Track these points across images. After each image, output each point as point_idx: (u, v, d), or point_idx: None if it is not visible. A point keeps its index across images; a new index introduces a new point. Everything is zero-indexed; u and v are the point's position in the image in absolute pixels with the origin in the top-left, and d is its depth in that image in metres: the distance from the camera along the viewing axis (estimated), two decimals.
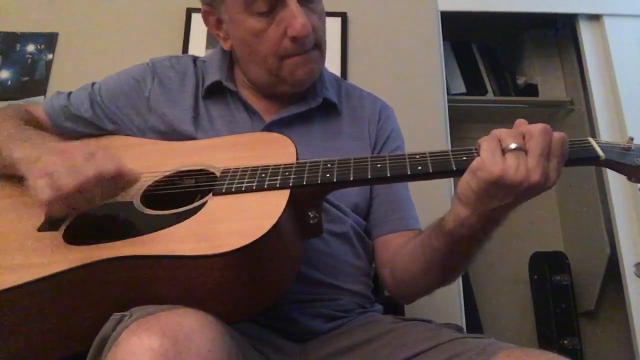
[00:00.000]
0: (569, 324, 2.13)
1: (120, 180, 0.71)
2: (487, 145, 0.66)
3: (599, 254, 2.04)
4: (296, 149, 0.80)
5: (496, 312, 2.21)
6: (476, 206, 0.69)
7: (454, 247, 0.76)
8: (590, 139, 0.71)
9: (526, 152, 0.65)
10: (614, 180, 1.82)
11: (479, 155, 0.67)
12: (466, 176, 0.68)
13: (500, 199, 0.67)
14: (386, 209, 0.97)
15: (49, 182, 0.66)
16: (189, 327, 0.52)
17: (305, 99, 0.98)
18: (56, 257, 0.67)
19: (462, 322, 1.62)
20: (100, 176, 0.67)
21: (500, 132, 0.67)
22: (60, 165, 0.66)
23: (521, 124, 0.68)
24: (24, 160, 0.72)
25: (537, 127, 0.65)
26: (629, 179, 0.71)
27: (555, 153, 0.66)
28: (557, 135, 0.66)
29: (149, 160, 0.86)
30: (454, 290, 1.64)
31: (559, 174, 0.66)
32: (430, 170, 0.70)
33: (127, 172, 0.71)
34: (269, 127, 0.93)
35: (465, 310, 1.66)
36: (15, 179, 0.82)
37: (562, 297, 2.15)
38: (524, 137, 0.66)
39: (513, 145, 0.65)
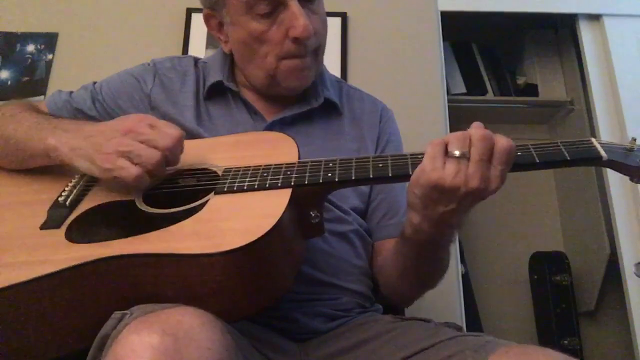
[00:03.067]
0: (569, 324, 2.13)
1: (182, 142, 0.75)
2: (430, 151, 0.68)
3: (599, 254, 2.04)
4: (298, 148, 0.80)
5: (496, 312, 2.21)
6: (424, 212, 0.71)
7: (419, 251, 0.79)
8: (593, 140, 0.71)
9: (468, 158, 0.66)
10: (614, 180, 1.82)
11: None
12: (410, 183, 0.70)
13: (444, 204, 0.68)
14: (384, 214, 0.97)
15: (132, 160, 0.70)
16: (189, 324, 0.52)
17: (306, 99, 0.98)
18: (58, 255, 0.67)
19: (462, 322, 1.62)
20: (176, 142, 0.73)
21: (450, 136, 0.68)
22: (133, 143, 0.71)
23: (474, 127, 0.68)
24: (65, 146, 0.75)
25: (477, 134, 0.66)
26: (632, 179, 0.72)
27: (500, 160, 0.66)
28: (502, 141, 0.66)
29: None
30: (454, 290, 1.64)
31: (502, 180, 0.67)
32: None
33: (181, 133, 0.75)
34: (271, 127, 0.94)
35: (465, 310, 1.66)
36: (17, 176, 0.83)
37: (562, 297, 2.15)
38: (469, 135, 0.67)
39: (457, 152, 0.66)
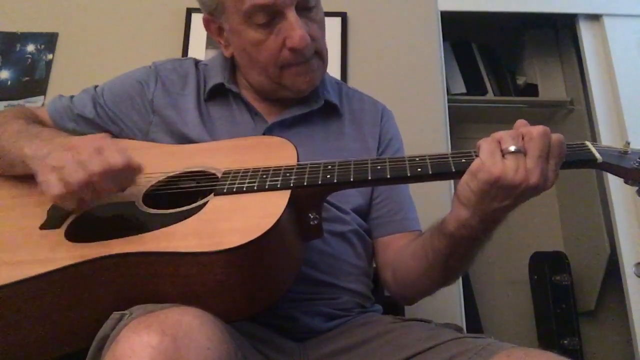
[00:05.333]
0: (569, 324, 2.13)
1: (129, 173, 0.72)
2: (486, 147, 0.67)
3: (599, 254, 2.04)
4: (297, 151, 0.81)
5: (496, 312, 2.21)
6: (476, 207, 0.70)
7: (456, 248, 0.77)
8: (587, 142, 0.72)
9: (525, 154, 0.66)
10: (614, 180, 1.82)
11: (478, 157, 0.67)
12: (466, 178, 0.69)
13: (500, 200, 0.68)
14: (387, 211, 0.97)
15: (58, 177, 0.67)
16: (189, 324, 0.53)
17: (307, 100, 0.98)
18: (58, 254, 0.67)
19: (462, 322, 1.62)
20: (108, 170, 0.68)
21: (500, 134, 0.68)
22: (70, 160, 0.68)
23: (521, 125, 0.69)
24: (35, 157, 0.74)
25: (537, 130, 0.66)
26: (626, 181, 0.73)
27: (554, 154, 0.67)
28: (555, 137, 0.67)
29: (152, 162, 0.86)
30: (454, 290, 1.64)
31: (557, 175, 0.68)
32: (430, 172, 0.71)
33: (134, 165, 0.71)
34: (271, 128, 0.94)
35: (465, 310, 1.66)
36: (18, 178, 0.83)
37: (562, 297, 2.15)
38: (523, 139, 0.67)
39: (512, 148, 0.66)
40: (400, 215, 0.96)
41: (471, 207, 0.70)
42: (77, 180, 0.67)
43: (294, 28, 0.86)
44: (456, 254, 0.78)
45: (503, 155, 0.66)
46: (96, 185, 0.68)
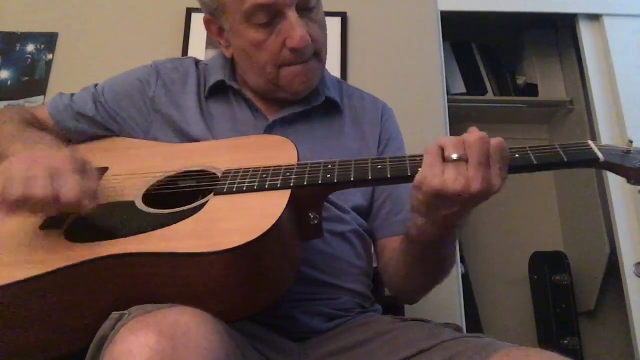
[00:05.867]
0: (569, 324, 2.13)
1: (60, 208, 0.68)
2: (427, 158, 0.68)
3: (599, 254, 2.04)
4: (297, 151, 0.80)
5: (496, 312, 2.21)
6: (428, 215, 0.72)
7: (424, 252, 0.80)
8: (590, 142, 0.72)
9: (466, 161, 0.66)
10: (614, 180, 1.82)
11: (421, 169, 0.69)
12: (413, 190, 0.71)
13: (448, 207, 0.69)
14: (387, 212, 0.97)
15: (3, 186, 0.66)
16: (187, 325, 0.52)
17: (307, 98, 0.98)
18: (57, 255, 0.67)
19: (462, 322, 1.62)
20: (52, 199, 0.66)
21: (443, 141, 0.69)
22: (19, 173, 0.67)
23: (469, 131, 0.69)
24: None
25: (474, 136, 0.67)
26: (629, 181, 0.72)
27: (496, 159, 0.67)
28: (495, 141, 0.67)
29: (152, 161, 0.86)
30: (454, 290, 1.64)
31: (503, 179, 0.67)
32: None
33: (83, 204, 0.68)
34: (272, 125, 0.94)
35: (465, 310, 1.66)
36: None
37: (562, 297, 2.15)
38: (466, 139, 0.67)
39: (454, 156, 0.66)
40: (400, 217, 0.96)
41: (423, 215, 0.73)
42: (11, 195, 0.65)
43: (295, 28, 0.86)
44: (426, 257, 0.82)
45: (445, 161, 0.67)
46: (27, 206, 0.67)
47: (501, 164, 0.67)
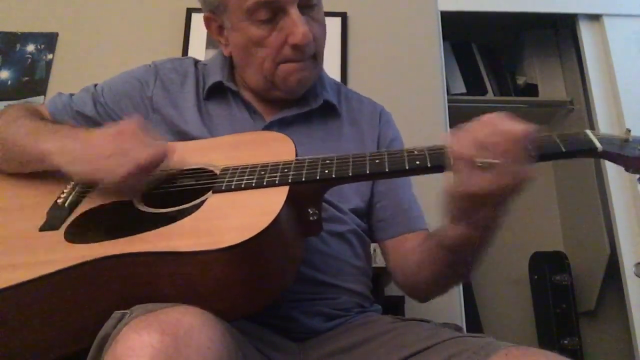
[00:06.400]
0: (569, 324, 2.13)
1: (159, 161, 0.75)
2: (459, 166, 0.67)
3: (599, 254, 2.04)
4: (295, 147, 0.80)
5: (496, 312, 2.22)
6: (469, 220, 0.71)
7: (459, 256, 0.78)
8: (588, 131, 0.71)
9: (498, 159, 0.64)
10: (614, 180, 1.82)
11: (451, 174, 0.68)
12: (446, 199, 0.70)
13: (487, 207, 0.68)
14: (392, 212, 0.97)
15: (120, 160, 0.71)
16: (189, 324, 0.52)
17: (305, 100, 0.98)
18: (57, 255, 0.67)
19: (462, 322, 1.62)
20: (156, 157, 0.73)
21: (470, 142, 0.66)
22: (121, 144, 0.72)
23: (489, 123, 0.66)
24: (59, 151, 0.76)
25: (505, 136, 0.64)
26: (627, 169, 0.72)
27: (528, 155, 0.65)
28: (520, 132, 0.65)
29: None
30: (454, 290, 1.64)
31: (532, 164, 0.66)
32: (428, 165, 0.71)
33: (164, 155, 0.75)
34: (270, 127, 0.94)
35: (465, 310, 1.66)
36: (17, 179, 0.83)
37: (562, 297, 2.15)
38: (490, 140, 0.65)
39: (485, 160, 0.65)
40: (406, 215, 0.97)
41: (463, 222, 0.72)
42: (144, 157, 0.71)
43: (297, 25, 0.86)
44: (460, 261, 0.80)
45: (476, 165, 0.65)
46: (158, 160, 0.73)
47: (532, 153, 0.66)
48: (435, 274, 0.85)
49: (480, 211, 0.69)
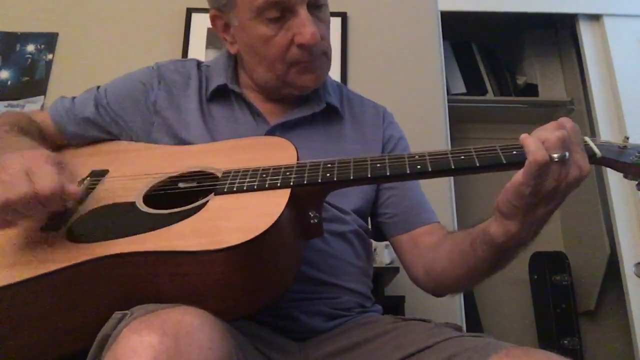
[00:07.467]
0: (569, 324, 2.13)
1: (59, 196, 0.67)
2: (535, 164, 0.66)
3: (599, 254, 2.04)
4: (297, 151, 0.81)
5: (496, 312, 2.22)
6: (525, 218, 0.70)
7: (501, 255, 0.78)
8: (587, 138, 0.72)
9: (567, 151, 0.66)
10: (614, 180, 1.82)
11: (523, 174, 0.67)
12: (513, 195, 0.69)
13: (545, 204, 0.69)
14: (405, 207, 0.98)
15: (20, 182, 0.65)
16: (190, 324, 0.53)
17: (309, 103, 0.98)
18: (58, 255, 0.67)
19: (462, 322, 1.62)
20: (33, 195, 0.65)
21: (547, 139, 0.67)
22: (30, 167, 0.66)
23: (549, 125, 0.69)
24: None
25: (569, 128, 0.67)
26: (625, 176, 0.73)
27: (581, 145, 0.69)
28: (574, 124, 0.68)
29: (152, 163, 0.86)
30: None
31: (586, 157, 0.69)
32: (429, 170, 0.71)
33: (66, 189, 0.67)
34: (273, 130, 0.94)
35: (465, 310, 1.67)
36: None
37: (562, 297, 2.16)
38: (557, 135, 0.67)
39: (559, 155, 0.66)
40: (419, 209, 0.97)
41: (519, 219, 0.71)
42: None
43: (305, 25, 0.87)
44: (501, 260, 0.79)
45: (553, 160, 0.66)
46: (17, 206, 0.65)
47: (582, 144, 0.69)
48: (471, 270, 0.83)
49: (539, 208, 0.69)
